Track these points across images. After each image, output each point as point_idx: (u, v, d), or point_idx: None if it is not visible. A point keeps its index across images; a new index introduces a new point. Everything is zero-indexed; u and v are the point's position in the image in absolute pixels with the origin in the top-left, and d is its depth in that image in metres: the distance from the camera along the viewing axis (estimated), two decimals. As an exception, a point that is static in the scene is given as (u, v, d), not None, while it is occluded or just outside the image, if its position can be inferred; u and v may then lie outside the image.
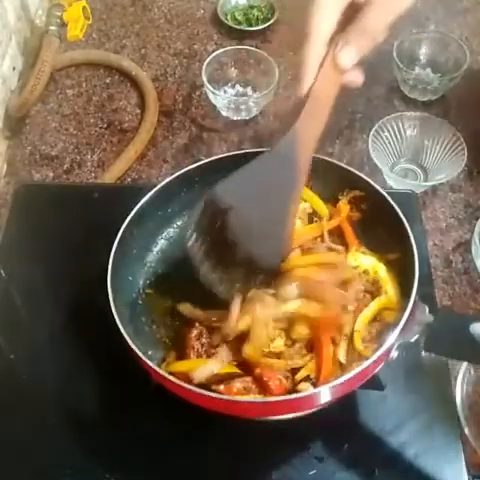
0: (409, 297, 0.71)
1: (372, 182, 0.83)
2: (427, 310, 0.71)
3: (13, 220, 0.95)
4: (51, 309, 0.87)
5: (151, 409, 0.77)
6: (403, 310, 0.71)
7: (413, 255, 0.75)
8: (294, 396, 0.69)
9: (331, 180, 0.86)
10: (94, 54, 1.28)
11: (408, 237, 0.76)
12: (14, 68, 1.22)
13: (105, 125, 1.17)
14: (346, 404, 0.73)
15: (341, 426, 0.77)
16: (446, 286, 0.96)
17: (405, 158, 1.11)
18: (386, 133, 1.08)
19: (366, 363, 0.68)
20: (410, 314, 0.70)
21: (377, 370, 0.72)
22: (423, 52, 1.23)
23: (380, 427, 0.78)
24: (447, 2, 1.37)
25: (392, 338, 0.70)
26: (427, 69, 1.23)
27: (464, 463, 0.76)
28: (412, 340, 0.71)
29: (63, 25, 1.29)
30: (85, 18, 1.32)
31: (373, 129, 1.06)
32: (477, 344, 0.67)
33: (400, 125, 1.09)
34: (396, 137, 1.09)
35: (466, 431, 0.77)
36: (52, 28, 1.24)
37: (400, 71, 1.18)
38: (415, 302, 0.71)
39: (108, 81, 1.24)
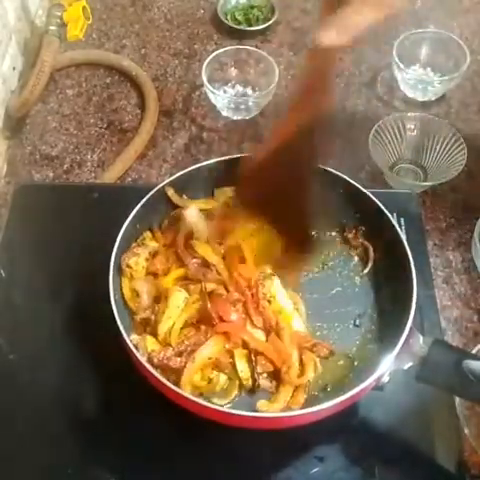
0: (405, 325, 0.71)
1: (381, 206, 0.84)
2: (421, 340, 0.71)
3: (13, 220, 0.95)
4: (51, 309, 0.87)
5: (151, 409, 0.77)
6: (398, 338, 0.71)
7: (412, 288, 0.75)
8: (284, 414, 0.71)
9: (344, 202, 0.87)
10: (94, 54, 1.28)
11: (410, 267, 0.77)
12: (14, 68, 1.22)
13: (105, 125, 1.17)
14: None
15: (341, 426, 0.77)
16: (446, 286, 0.96)
17: (405, 158, 1.11)
18: (386, 133, 1.08)
19: (356, 389, 0.69)
20: (404, 343, 0.70)
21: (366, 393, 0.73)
22: (423, 52, 1.23)
23: (380, 427, 0.79)
24: (447, 2, 1.37)
25: (384, 366, 0.70)
26: (427, 69, 1.23)
27: (464, 463, 0.76)
28: (405, 368, 0.71)
29: (63, 25, 1.29)
30: (85, 18, 1.32)
31: (373, 129, 1.06)
32: (469, 381, 0.67)
33: (400, 125, 1.09)
34: (396, 137, 1.09)
35: (466, 431, 0.77)
36: (52, 28, 1.24)
37: (400, 71, 1.17)
38: (410, 330, 0.71)
39: (108, 81, 1.24)
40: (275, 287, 0.80)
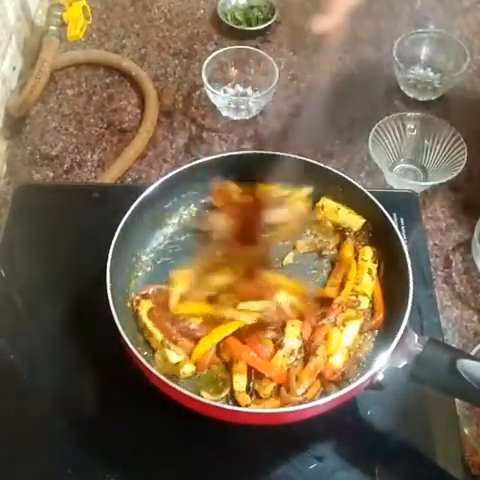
0: (400, 324, 0.71)
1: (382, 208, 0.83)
2: (416, 338, 0.71)
3: (13, 220, 0.95)
4: (51, 309, 0.87)
5: (151, 409, 0.77)
6: (393, 337, 0.71)
7: (408, 287, 0.75)
8: (275, 410, 0.71)
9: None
10: (94, 54, 1.28)
11: (407, 267, 0.76)
12: (14, 68, 1.22)
13: (105, 125, 1.17)
14: (346, 404, 0.73)
15: (340, 425, 0.77)
16: (446, 286, 0.96)
17: (405, 158, 1.11)
18: (386, 133, 1.08)
19: (349, 387, 0.69)
20: (399, 341, 0.70)
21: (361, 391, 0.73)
22: (423, 52, 1.23)
23: (380, 427, 0.79)
24: (447, 2, 1.37)
25: (378, 365, 0.70)
26: (427, 69, 1.23)
27: (464, 463, 0.76)
28: (400, 366, 0.71)
29: (63, 25, 1.29)
30: (85, 18, 1.32)
31: (373, 129, 1.06)
32: (463, 380, 0.67)
33: (400, 125, 1.09)
34: (396, 137, 1.09)
35: (466, 431, 0.77)
36: (52, 28, 1.24)
37: (400, 71, 1.17)
38: (406, 329, 0.71)
39: (108, 81, 1.24)
40: (353, 323, 0.78)
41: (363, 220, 0.86)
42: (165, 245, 0.88)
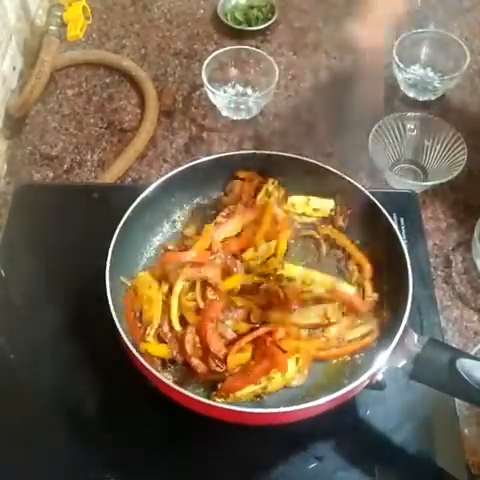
0: (400, 324, 0.71)
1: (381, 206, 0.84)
2: (416, 338, 0.71)
3: (13, 220, 0.95)
4: (51, 309, 0.87)
5: (151, 409, 0.77)
6: (392, 337, 0.71)
7: (408, 287, 0.75)
8: (272, 410, 0.70)
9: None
10: (94, 54, 1.28)
11: (405, 264, 0.77)
12: (14, 68, 1.22)
13: (105, 125, 1.17)
14: (346, 404, 0.73)
15: (340, 425, 0.77)
16: (446, 286, 0.96)
17: (405, 158, 1.11)
18: (386, 133, 1.08)
19: (349, 387, 0.69)
20: (399, 341, 0.70)
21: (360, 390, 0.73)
22: (423, 52, 1.23)
23: (380, 427, 0.79)
24: (447, 2, 1.37)
25: (378, 364, 0.70)
26: (427, 69, 1.23)
27: (464, 463, 0.76)
28: (399, 366, 0.71)
29: (63, 25, 1.29)
30: (85, 18, 1.32)
31: (373, 129, 1.06)
32: (463, 380, 0.67)
33: (400, 125, 1.09)
34: (396, 137, 1.09)
35: (466, 431, 0.77)
36: (52, 28, 1.24)
37: (400, 71, 1.17)
38: (405, 329, 0.71)
39: (108, 81, 1.24)
40: None
41: (332, 201, 0.88)
42: (166, 242, 0.88)
